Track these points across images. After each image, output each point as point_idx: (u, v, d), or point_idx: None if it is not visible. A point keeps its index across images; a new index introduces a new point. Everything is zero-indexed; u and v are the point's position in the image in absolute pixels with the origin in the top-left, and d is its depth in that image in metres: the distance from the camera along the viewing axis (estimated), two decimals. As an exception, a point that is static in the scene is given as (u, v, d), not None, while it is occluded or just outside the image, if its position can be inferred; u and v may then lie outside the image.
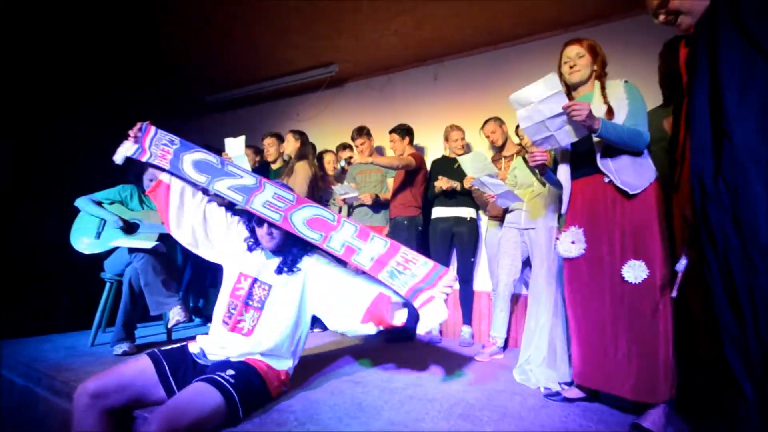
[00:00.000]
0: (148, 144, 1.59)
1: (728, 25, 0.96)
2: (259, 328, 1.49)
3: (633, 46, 2.50)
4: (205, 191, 1.65)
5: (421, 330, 1.46)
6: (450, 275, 1.49)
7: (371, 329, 1.51)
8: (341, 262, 1.65)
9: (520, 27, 2.93)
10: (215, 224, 1.63)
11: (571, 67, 1.57)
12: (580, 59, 1.56)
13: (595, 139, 1.49)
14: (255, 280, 1.54)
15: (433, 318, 1.42)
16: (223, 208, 1.67)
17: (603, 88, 1.56)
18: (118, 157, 1.56)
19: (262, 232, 1.54)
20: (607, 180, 1.49)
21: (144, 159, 1.56)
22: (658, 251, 1.41)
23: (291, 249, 1.58)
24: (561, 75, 1.60)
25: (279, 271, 1.55)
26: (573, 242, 1.56)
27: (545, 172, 1.73)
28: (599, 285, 1.50)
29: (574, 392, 1.64)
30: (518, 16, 2.79)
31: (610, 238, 1.48)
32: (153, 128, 1.63)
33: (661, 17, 1.20)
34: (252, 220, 1.57)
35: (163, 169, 1.58)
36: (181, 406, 1.14)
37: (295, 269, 1.56)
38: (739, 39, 0.94)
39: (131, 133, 1.60)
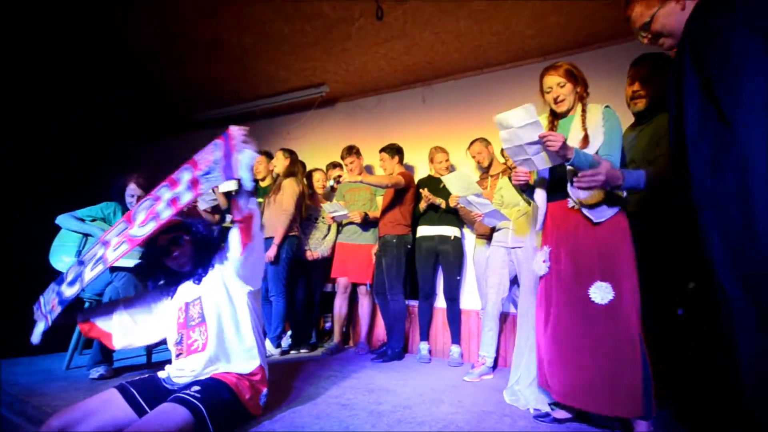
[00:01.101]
0: (45, 312, 1.59)
1: (691, 69, 1.00)
2: (210, 338, 1.49)
3: (613, 72, 2.61)
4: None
5: (242, 173, 1.43)
6: (233, 130, 1.48)
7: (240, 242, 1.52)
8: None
9: (504, 54, 3.05)
10: (140, 312, 1.63)
11: (555, 99, 1.62)
12: (562, 89, 1.61)
13: (569, 167, 1.55)
14: (186, 304, 1.56)
15: (246, 159, 1.42)
16: (132, 296, 1.69)
17: (584, 111, 1.61)
18: (35, 338, 1.55)
19: (172, 259, 1.56)
20: (571, 205, 1.56)
21: (50, 323, 1.55)
22: (623, 274, 1.46)
23: (201, 253, 1.60)
24: (545, 103, 1.66)
25: (198, 279, 1.57)
26: (544, 261, 1.61)
27: (526, 190, 1.77)
28: (569, 304, 1.54)
29: (563, 412, 1.63)
30: (503, 44, 2.92)
31: (579, 260, 1.53)
32: (41, 298, 1.64)
33: (645, 39, 1.25)
34: (157, 261, 1.58)
35: (63, 315, 1.56)
36: (147, 427, 1.13)
37: (209, 269, 1.59)
38: (698, 83, 0.98)
39: (35, 316, 1.60)
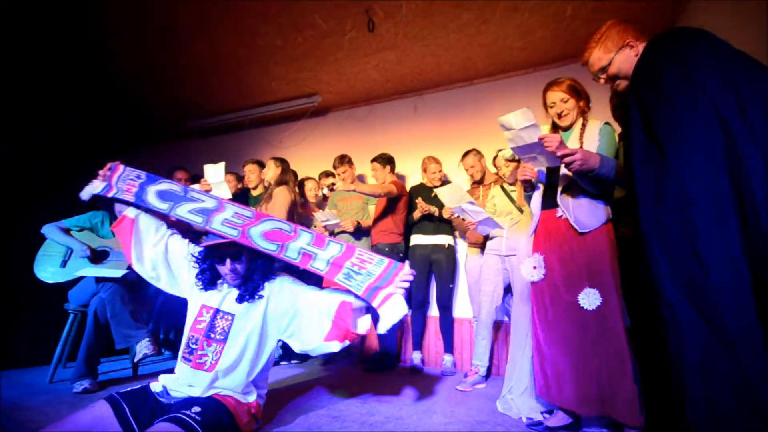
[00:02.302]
0: (115, 181, 1.64)
1: (635, 108, 1.09)
2: (222, 361, 1.44)
3: (597, 84, 2.68)
4: (170, 225, 1.68)
5: (381, 329, 1.43)
6: (406, 269, 1.49)
7: (336, 346, 1.48)
8: (305, 280, 1.68)
9: (493, 65, 3.12)
10: (177, 258, 1.61)
11: (558, 114, 1.66)
12: (565, 104, 1.65)
13: (562, 171, 1.59)
14: (217, 311, 1.52)
15: (393, 314, 1.41)
16: (186, 242, 1.65)
17: (584, 126, 1.65)
18: (85, 194, 1.61)
19: (225, 269, 1.52)
20: (559, 214, 1.61)
21: (110, 195, 1.61)
22: (610, 281, 1.51)
23: (252, 277, 1.56)
24: (548, 116, 1.71)
25: (240, 299, 1.53)
26: (535, 267, 1.64)
27: (531, 189, 1.79)
28: (559, 310, 1.58)
29: (556, 420, 1.63)
30: (492, 56, 2.98)
31: (568, 267, 1.58)
32: (121, 166, 1.69)
33: (602, 80, 1.36)
34: (211, 261, 1.55)
35: (128, 203, 1.63)
36: None
37: (256, 296, 1.54)
38: (641, 121, 1.07)
39: (101, 172, 1.65)
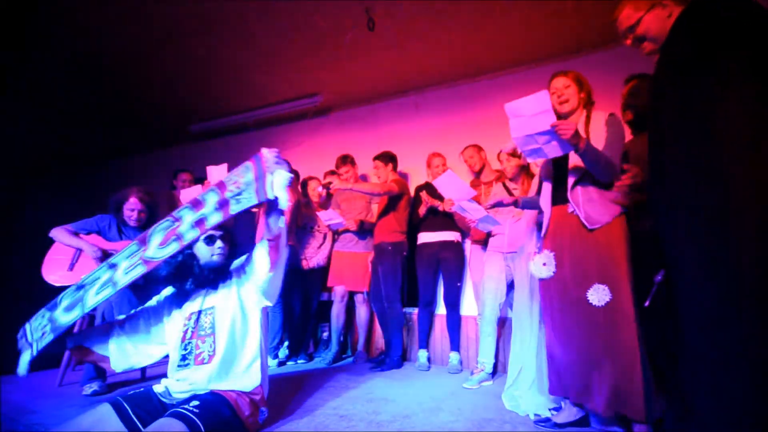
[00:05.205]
0: (32, 339, 1.50)
1: (673, 80, 1.03)
2: (218, 350, 1.47)
3: (600, 78, 2.64)
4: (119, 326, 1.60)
5: (282, 204, 1.46)
6: (265, 152, 1.50)
7: (269, 265, 1.55)
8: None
9: (494, 61, 3.10)
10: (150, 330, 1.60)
11: (559, 98, 1.66)
12: (567, 89, 1.65)
13: (572, 164, 1.57)
14: (200, 312, 1.55)
15: (279, 182, 1.44)
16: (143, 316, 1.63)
17: (588, 117, 1.64)
18: (22, 370, 1.45)
19: (214, 248, 1.56)
20: (570, 210, 1.59)
21: (35, 353, 1.46)
22: (621, 277, 1.48)
23: (232, 257, 1.63)
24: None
25: (215, 287, 1.57)
26: (544, 264, 1.63)
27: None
28: (569, 306, 1.56)
29: (564, 417, 1.62)
30: (493, 52, 2.96)
31: (577, 262, 1.56)
32: (26, 325, 1.56)
33: (628, 41, 1.28)
34: (187, 276, 1.55)
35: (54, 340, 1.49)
36: None
37: (227, 279, 1.59)
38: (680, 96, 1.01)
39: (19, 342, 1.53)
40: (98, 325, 1.58)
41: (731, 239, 0.88)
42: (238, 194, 1.48)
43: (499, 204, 2.02)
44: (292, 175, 1.49)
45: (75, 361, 1.56)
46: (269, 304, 1.61)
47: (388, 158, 3.01)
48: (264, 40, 2.79)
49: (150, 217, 2.47)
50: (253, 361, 1.53)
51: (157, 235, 1.49)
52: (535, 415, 1.72)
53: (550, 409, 1.72)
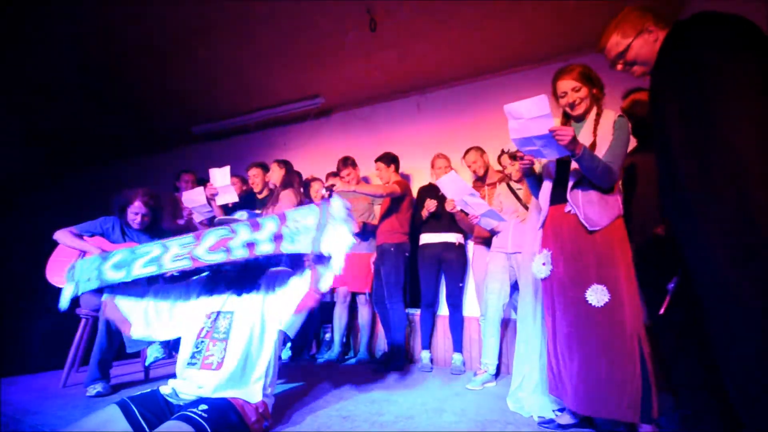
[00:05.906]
0: (78, 277, 1.60)
1: (670, 94, 1.08)
2: (228, 358, 1.46)
3: (604, 77, 2.65)
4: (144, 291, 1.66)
5: (336, 267, 1.44)
6: (337, 201, 1.51)
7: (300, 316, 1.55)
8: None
9: (495, 61, 3.10)
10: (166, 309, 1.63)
11: (571, 104, 1.60)
12: (578, 93, 1.58)
13: (573, 166, 1.56)
14: (219, 313, 1.55)
15: (340, 244, 1.43)
16: (168, 302, 1.65)
17: (598, 115, 1.60)
18: (63, 304, 1.60)
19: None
20: (567, 210, 1.57)
21: (78, 292, 1.59)
22: (619, 277, 1.47)
23: (254, 270, 1.63)
24: (558, 106, 1.66)
25: (239, 292, 1.58)
26: (544, 264, 1.62)
27: (530, 174, 1.77)
28: (568, 306, 1.54)
29: (568, 418, 1.61)
30: (494, 52, 2.96)
31: (576, 263, 1.54)
32: (76, 262, 1.64)
33: (619, 66, 1.34)
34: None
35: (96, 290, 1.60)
36: None
37: (254, 287, 1.60)
38: (679, 107, 1.05)
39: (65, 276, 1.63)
40: (135, 282, 1.58)
41: (758, 240, 0.91)
42: (296, 233, 1.47)
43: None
44: (353, 242, 1.46)
45: (104, 312, 1.59)
46: (286, 331, 1.60)
47: (390, 159, 3.01)
48: (265, 42, 2.80)
49: (154, 221, 2.48)
50: (260, 377, 1.52)
51: (211, 236, 1.51)
52: (539, 416, 1.71)
53: (554, 411, 1.71)
